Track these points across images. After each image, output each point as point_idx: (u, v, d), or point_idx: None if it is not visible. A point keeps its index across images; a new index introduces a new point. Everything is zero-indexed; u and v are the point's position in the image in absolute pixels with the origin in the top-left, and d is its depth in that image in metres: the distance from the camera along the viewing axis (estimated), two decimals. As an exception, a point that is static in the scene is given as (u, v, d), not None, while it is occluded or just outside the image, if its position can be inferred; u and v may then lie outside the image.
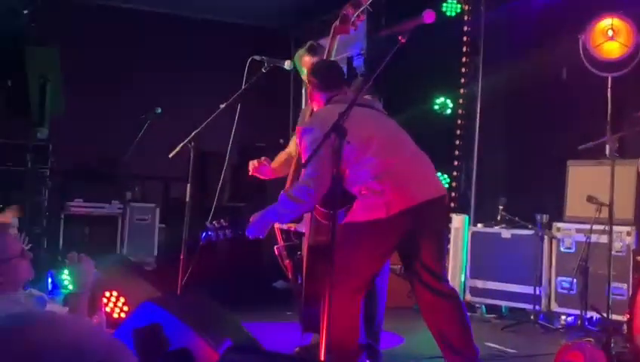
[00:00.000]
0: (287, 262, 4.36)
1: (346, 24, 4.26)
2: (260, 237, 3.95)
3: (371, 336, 4.49)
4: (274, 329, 5.76)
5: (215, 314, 3.96)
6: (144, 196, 8.17)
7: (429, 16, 3.47)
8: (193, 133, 4.58)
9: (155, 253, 7.78)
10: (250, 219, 3.90)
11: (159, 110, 6.56)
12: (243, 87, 4.61)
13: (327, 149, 3.23)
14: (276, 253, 4.39)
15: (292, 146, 4.77)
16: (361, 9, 4.27)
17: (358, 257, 3.73)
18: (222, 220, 4.06)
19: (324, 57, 4.36)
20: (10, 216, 5.87)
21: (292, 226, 4.33)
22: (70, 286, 5.58)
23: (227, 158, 4.86)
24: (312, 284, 4.13)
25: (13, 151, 7.18)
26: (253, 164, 4.59)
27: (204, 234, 4.08)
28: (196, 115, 4.78)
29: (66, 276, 5.59)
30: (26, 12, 6.98)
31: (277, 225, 4.36)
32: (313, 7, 8.72)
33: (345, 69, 8.57)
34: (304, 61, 4.58)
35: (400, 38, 3.40)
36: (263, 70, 4.64)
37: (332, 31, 4.30)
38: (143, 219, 7.84)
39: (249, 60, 4.63)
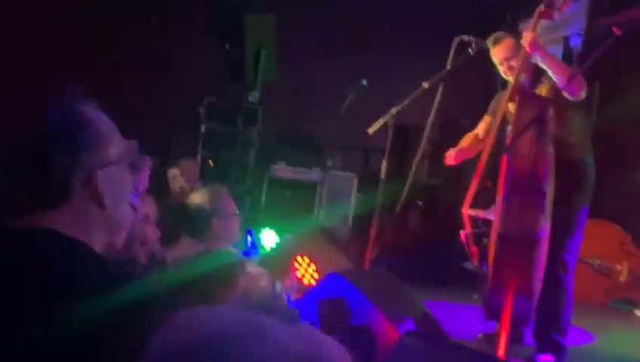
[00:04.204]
0: (473, 248, 4.32)
1: (550, 9, 4.11)
2: None
3: (558, 331, 4.39)
4: (460, 310, 5.74)
5: (399, 292, 4.01)
6: (344, 165, 8.31)
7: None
8: (393, 112, 4.59)
9: (350, 222, 7.92)
10: None
11: (365, 82, 6.64)
12: (447, 67, 4.57)
13: None
14: (463, 238, 4.35)
15: (480, 128, 4.74)
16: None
17: None
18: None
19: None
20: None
21: (481, 213, 4.28)
22: (269, 248, 5.86)
23: (425, 137, 4.85)
24: (498, 273, 4.08)
25: (226, 113, 7.57)
26: (449, 156, 4.61)
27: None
28: (403, 87, 4.77)
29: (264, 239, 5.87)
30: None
31: (465, 211, 4.33)
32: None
33: (560, 50, 8.26)
34: (492, 53, 4.51)
35: (615, 29, 3.26)
36: (470, 52, 4.57)
37: (535, 16, 4.17)
38: (341, 187, 7.99)
39: (456, 40, 4.57)
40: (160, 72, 7.58)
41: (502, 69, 4.47)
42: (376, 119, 4.72)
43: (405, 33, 8.54)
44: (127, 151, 1.63)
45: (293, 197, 7.78)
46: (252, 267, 4.69)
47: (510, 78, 4.39)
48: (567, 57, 7.72)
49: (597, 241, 6.55)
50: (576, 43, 8.21)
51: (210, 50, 7.66)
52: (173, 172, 6.12)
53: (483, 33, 4.69)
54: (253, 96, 7.30)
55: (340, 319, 3.63)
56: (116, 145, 1.59)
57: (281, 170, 7.87)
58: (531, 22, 4.23)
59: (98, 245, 1.57)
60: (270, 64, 7.09)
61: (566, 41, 8.19)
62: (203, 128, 7.57)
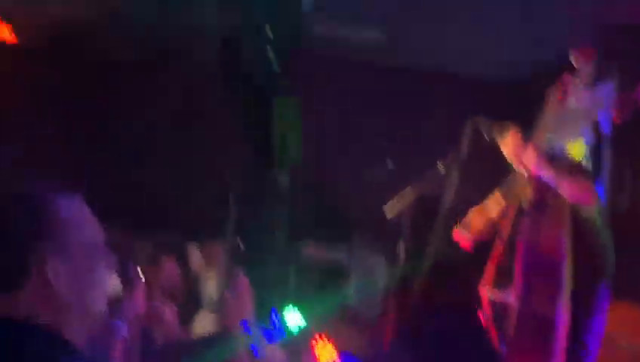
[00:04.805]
0: (492, 329, 4.32)
1: (562, 92, 4.17)
2: None
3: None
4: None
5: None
6: (373, 244, 8.32)
7: (645, 92, 3.33)
8: (409, 192, 4.66)
9: (378, 302, 7.89)
10: None
11: (390, 165, 6.71)
12: (462, 150, 4.62)
13: None
14: (482, 319, 4.35)
15: (493, 209, 4.69)
16: (579, 77, 4.16)
17: None
18: None
19: (538, 128, 4.30)
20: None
21: (499, 294, 4.28)
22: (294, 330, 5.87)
23: (440, 218, 4.87)
24: (515, 355, 4.07)
25: (255, 195, 7.68)
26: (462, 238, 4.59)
27: None
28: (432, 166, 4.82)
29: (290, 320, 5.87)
30: (277, 64, 7.44)
31: (483, 292, 4.34)
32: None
33: (591, 134, 8.21)
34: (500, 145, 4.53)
35: (615, 118, 3.31)
36: (484, 135, 4.62)
37: (546, 98, 4.23)
38: (370, 266, 8.00)
39: (470, 124, 4.63)
40: (189, 156, 7.79)
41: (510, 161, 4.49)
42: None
43: (437, 109, 8.62)
44: (99, 243, 1.66)
45: (321, 276, 7.81)
46: (270, 349, 4.74)
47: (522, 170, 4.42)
48: (598, 141, 7.70)
49: (629, 324, 6.43)
50: (604, 122, 8.17)
51: (237, 134, 7.83)
52: (192, 250, 6.22)
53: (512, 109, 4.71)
54: (281, 179, 7.42)
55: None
56: (83, 235, 1.61)
57: (310, 250, 7.94)
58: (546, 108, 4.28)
59: (70, 330, 1.59)
60: (296, 146, 7.22)
61: (597, 125, 8.15)
62: (232, 211, 7.68)
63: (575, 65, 4.25)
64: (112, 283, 1.75)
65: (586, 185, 4.29)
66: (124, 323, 2.95)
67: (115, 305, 2.97)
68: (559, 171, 4.15)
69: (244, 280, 4.40)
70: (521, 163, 4.35)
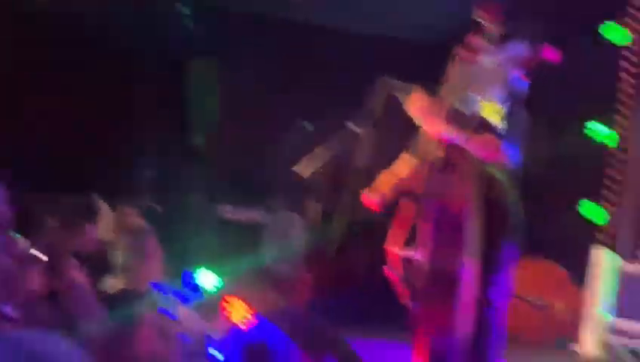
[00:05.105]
0: (400, 286, 4.38)
1: (468, 52, 4.20)
2: None
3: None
4: (401, 349, 5.75)
5: (322, 331, 4.08)
6: (290, 204, 8.33)
7: (549, 53, 3.40)
8: (322, 155, 4.64)
9: (295, 262, 7.92)
10: None
11: (307, 126, 6.71)
12: (366, 111, 4.57)
13: None
14: (389, 275, 4.40)
15: (402, 168, 4.69)
16: (486, 37, 4.19)
17: None
18: None
19: (443, 86, 4.32)
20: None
21: (406, 251, 4.34)
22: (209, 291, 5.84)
23: (353, 179, 4.87)
24: (425, 312, 4.15)
25: (170, 156, 7.62)
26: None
27: None
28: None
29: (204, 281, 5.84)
30: (190, 26, 7.34)
31: (391, 249, 4.39)
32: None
33: (506, 93, 8.33)
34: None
35: (523, 77, 3.36)
36: (395, 94, 4.61)
37: (452, 58, 4.25)
38: (286, 227, 8.00)
39: (378, 81, 4.57)
40: (105, 118, 7.64)
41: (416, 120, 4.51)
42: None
43: (350, 68, 8.61)
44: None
45: (237, 238, 7.78)
46: (183, 310, 4.71)
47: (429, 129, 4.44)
48: (515, 100, 7.81)
49: (535, 279, 6.63)
50: (521, 86, 8.28)
51: (153, 95, 7.72)
52: (105, 212, 6.10)
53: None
54: (197, 139, 7.36)
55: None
56: None
57: (226, 211, 7.91)
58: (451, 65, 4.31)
59: None
60: (212, 107, 7.16)
61: (509, 84, 8.25)
62: (146, 172, 7.60)
63: (484, 24, 4.27)
64: (6, 263, 1.68)
65: (493, 144, 4.34)
66: (13, 304, 2.86)
67: (7, 285, 2.89)
68: (466, 130, 4.19)
69: (153, 242, 4.38)
70: (427, 122, 4.37)
